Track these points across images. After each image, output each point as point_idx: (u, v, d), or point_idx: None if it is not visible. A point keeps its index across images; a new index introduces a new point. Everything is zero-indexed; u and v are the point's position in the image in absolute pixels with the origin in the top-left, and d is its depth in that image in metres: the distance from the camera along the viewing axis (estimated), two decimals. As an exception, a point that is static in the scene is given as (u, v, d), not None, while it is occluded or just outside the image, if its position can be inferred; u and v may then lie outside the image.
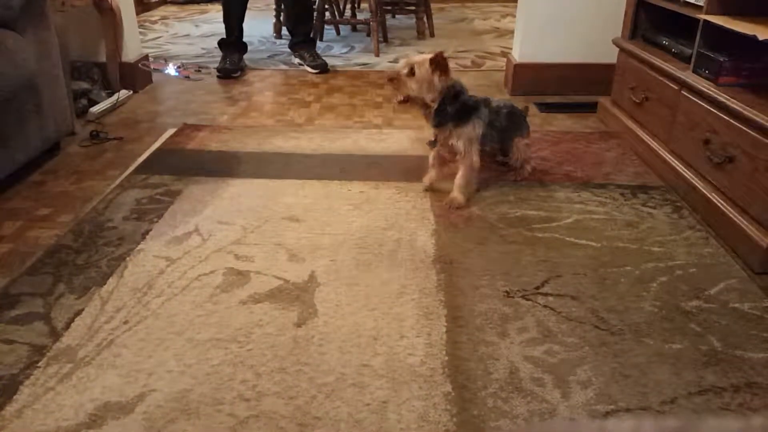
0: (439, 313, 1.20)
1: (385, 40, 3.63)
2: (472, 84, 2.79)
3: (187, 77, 1.62)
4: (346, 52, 3.42)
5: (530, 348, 1.11)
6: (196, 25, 4.16)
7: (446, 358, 1.08)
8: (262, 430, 0.94)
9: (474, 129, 1.61)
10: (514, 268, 1.34)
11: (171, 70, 1.64)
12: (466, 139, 1.61)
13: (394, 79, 1.58)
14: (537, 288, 1.28)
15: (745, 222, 1.38)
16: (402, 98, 1.58)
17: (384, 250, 1.42)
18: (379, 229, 1.51)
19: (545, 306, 1.22)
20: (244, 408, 0.97)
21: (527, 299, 1.24)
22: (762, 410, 0.97)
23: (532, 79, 2.58)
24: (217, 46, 3.07)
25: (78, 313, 1.20)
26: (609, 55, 2.26)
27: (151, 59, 1.64)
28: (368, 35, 3.67)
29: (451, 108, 1.58)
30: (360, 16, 4.04)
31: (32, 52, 1.75)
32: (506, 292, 1.26)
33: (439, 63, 1.54)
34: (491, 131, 1.66)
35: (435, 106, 1.57)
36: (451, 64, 1.59)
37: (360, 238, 1.47)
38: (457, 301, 1.23)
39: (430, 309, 1.21)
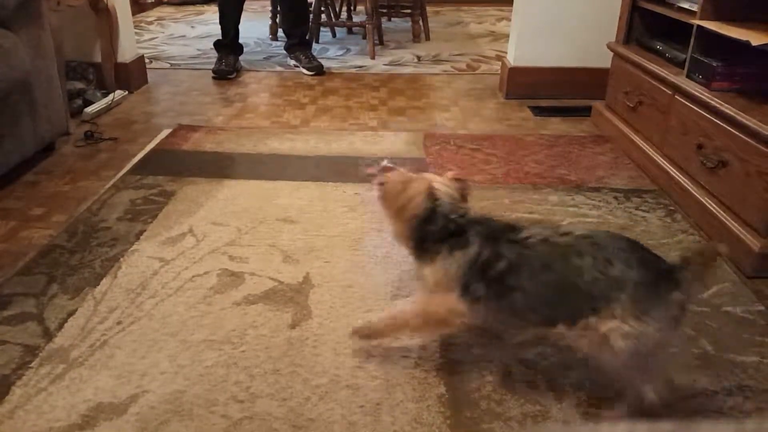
0: (433, 316, 1.20)
1: (381, 42, 3.64)
2: (466, 88, 2.80)
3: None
4: (341, 55, 3.42)
5: (524, 350, 1.11)
6: (192, 26, 4.15)
7: (440, 360, 1.08)
8: (256, 431, 0.93)
9: (441, 271, 0.99)
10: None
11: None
12: (431, 280, 1.01)
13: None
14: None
15: (737, 226, 1.39)
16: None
17: (378, 252, 1.42)
18: (373, 231, 1.51)
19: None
20: (237, 409, 0.97)
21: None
22: (754, 414, 0.97)
23: (526, 83, 2.59)
24: (212, 47, 3.07)
25: (71, 313, 1.19)
26: (603, 59, 2.27)
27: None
28: (364, 38, 3.68)
29: (429, 234, 1.01)
30: (356, 19, 4.05)
31: (27, 52, 1.74)
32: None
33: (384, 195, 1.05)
34: (516, 286, 0.93)
35: (408, 240, 1.05)
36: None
37: (355, 240, 1.47)
38: (451, 304, 1.23)
39: (425, 311, 1.21)
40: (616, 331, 0.85)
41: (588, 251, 0.89)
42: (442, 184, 1.04)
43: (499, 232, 0.97)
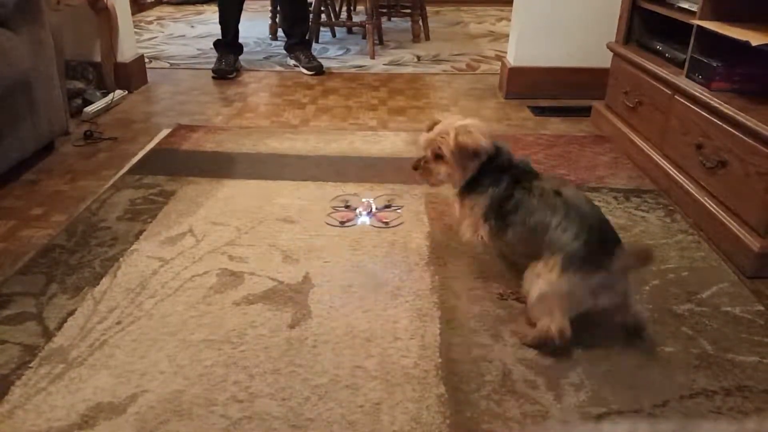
0: (433, 315, 1.20)
1: (381, 42, 3.64)
2: (466, 87, 2.80)
3: (386, 223, 1.51)
4: (341, 54, 3.42)
5: (523, 350, 1.11)
6: (192, 26, 4.15)
7: (440, 360, 1.08)
8: (255, 431, 0.93)
9: (480, 197, 1.19)
10: (508, 270, 1.35)
11: (364, 218, 1.48)
12: (468, 207, 1.22)
13: (419, 168, 1.25)
14: (530, 291, 1.28)
15: (737, 226, 1.39)
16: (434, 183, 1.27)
17: (378, 251, 1.42)
18: (373, 231, 1.51)
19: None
20: (237, 409, 0.97)
21: (521, 302, 1.24)
22: (753, 414, 0.97)
23: (526, 82, 2.59)
24: (212, 46, 3.07)
25: (71, 313, 1.19)
26: (603, 59, 2.27)
27: (334, 208, 1.36)
28: (364, 38, 3.68)
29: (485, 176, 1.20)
30: (356, 19, 4.05)
31: (26, 51, 1.74)
32: (500, 294, 1.27)
33: (463, 147, 1.17)
34: (512, 222, 1.15)
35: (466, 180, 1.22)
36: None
37: (354, 239, 1.47)
38: (451, 303, 1.24)
39: (424, 311, 1.21)
40: (541, 275, 1.07)
41: (560, 213, 1.08)
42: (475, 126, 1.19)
43: (523, 177, 1.16)
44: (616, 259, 1.04)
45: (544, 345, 1.09)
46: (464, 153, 1.17)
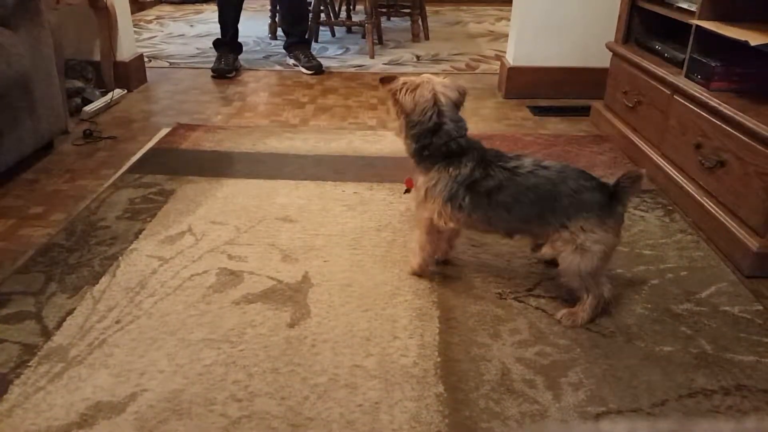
0: (432, 315, 1.20)
1: (380, 42, 3.64)
2: (465, 87, 2.79)
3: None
4: (341, 54, 3.42)
5: (522, 349, 1.11)
6: (191, 25, 4.15)
7: (439, 359, 1.08)
8: (254, 430, 0.93)
9: (433, 181, 1.19)
10: (507, 270, 1.35)
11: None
12: (422, 188, 1.22)
13: (384, 90, 1.25)
14: (529, 290, 1.28)
15: (735, 226, 1.40)
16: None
17: (377, 251, 1.42)
18: (372, 230, 1.51)
19: (537, 308, 1.22)
20: (236, 408, 0.97)
21: (520, 301, 1.25)
22: (752, 413, 0.98)
23: (525, 82, 2.59)
24: (212, 46, 3.07)
25: (70, 312, 1.19)
26: (602, 59, 2.27)
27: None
28: (363, 37, 3.68)
29: (431, 145, 1.19)
30: (355, 18, 4.05)
31: (26, 50, 1.74)
32: (499, 293, 1.27)
33: (400, 103, 1.19)
34: (487, 200, 1.17)
35: (410, 143, 1.22)
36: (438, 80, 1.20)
37: (353, 239, 1.47)
38: (450, 303, 1.24)
39: (423, 310, 1.21)
40: (589, 239, 1.12)
41: (563, 181, 1.14)
42: (444, 90, 1.19)
43: (490, 158, 1.19)
44: (620, 189, 1.13)
45: (599, 311, 1.18)
46: (402, 109, 1.19)
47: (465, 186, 1.17)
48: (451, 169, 1.17)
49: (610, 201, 1.13)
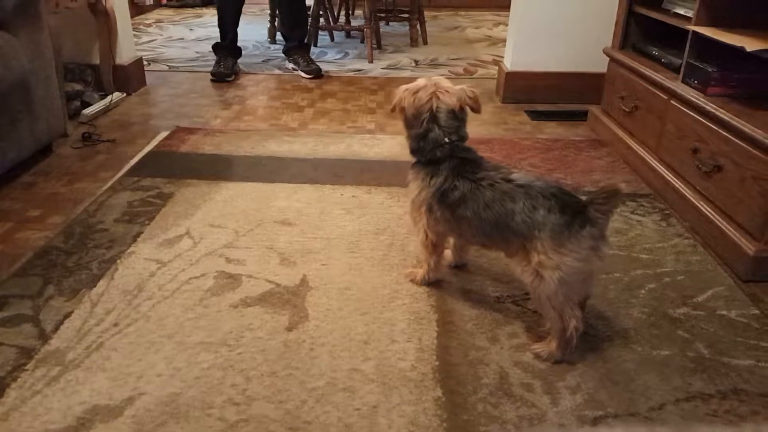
0: (430, 318, 1.20)
1: (379, 46, 3.65)
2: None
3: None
4: (340, 58, 3.43)
5: (520, 353, 1.11)
6: (191, 29, 4.15)
7: (437, 362, 1.08)
8: (252, 433, 0.93)
9: (417, 189, 1.20)
10: (505, 273, 1.35)
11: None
12: (409, 198, 1.23)
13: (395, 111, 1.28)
14: (527, 293, 1.28)
15: (732, 230, 1.40)
16: None
17: (376, 254, 1.42)
18: (371, 234, 1.51)
19: (535, 312, 1.22)
20: (233, 412, 0.97)
21: (517, 305, 1.25)
22: (749, 417, 0.98)
23: (523, 87, 2.60)
24: (211, 50, 3.07)
25: (67, 315, 1.19)
26: (599, 64, 2.28)
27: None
28: (362, 41, 3.69)
29: (423, 149, 1.20)
30: (354, 23, 4.06)
31: (25, 53, 1.75)
32: (497, 297, 1.27)
33: (400, 106, 1.22)
34: (451, 212, 1.15)
35: (409, 142, 1.24)
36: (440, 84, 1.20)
37: (352, 242, 1.47)
38: (448, 306, 1.24)
39: (421, 314, 1.21)
40: (544, 263, 1.03)
41: (521, 198, 1.06)
42: (442, 95, 1.18)
43: (464, 168, 1.15)
44: (593, 207, 1.01)
45: (569, 346, 1.08)
46: (401, 109, 1.21)
47: (438, 196, 1.15)
48: (430, 178, 1.17)
49: (572, 221, 1.01)
